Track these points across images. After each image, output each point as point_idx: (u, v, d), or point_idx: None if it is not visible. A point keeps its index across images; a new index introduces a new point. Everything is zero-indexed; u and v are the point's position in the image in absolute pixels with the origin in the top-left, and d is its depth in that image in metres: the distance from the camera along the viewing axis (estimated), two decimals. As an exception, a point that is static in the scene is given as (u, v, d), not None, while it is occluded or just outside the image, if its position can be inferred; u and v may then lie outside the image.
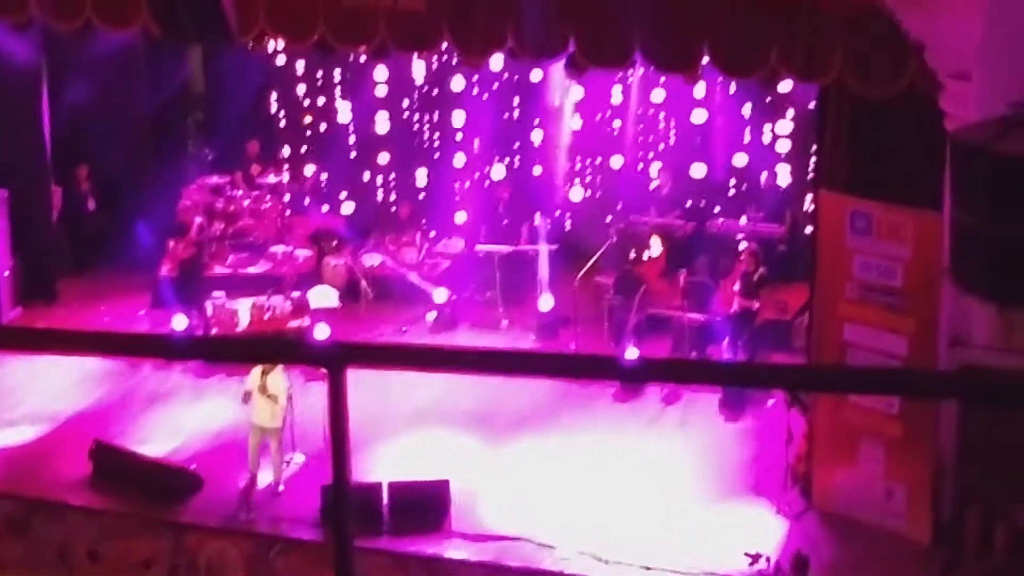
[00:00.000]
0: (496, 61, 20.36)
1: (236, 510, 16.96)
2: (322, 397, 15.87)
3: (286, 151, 24.07)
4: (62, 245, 22.66)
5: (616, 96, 22.80)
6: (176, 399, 19.37)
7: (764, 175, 22.20)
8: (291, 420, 17.69)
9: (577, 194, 23.34)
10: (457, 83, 23.07)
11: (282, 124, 24.32)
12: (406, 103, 23.72)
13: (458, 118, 23.36)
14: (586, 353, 19.14)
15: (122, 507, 17.25)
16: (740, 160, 22.28)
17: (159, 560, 16.90)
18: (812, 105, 19.45)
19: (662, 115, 22.77)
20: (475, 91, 23.19)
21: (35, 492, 17.47)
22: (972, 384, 4.33)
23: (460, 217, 23.14)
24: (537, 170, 23.33)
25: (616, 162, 23.01)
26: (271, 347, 5.57)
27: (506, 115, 23.40)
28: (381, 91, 23.44)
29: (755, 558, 15.51)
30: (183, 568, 16.83)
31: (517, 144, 23.48)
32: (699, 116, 22.26)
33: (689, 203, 22.23)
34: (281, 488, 17.36)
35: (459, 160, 23.45)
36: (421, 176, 23.80)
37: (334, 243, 22.61)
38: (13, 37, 19.90)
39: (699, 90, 21.60)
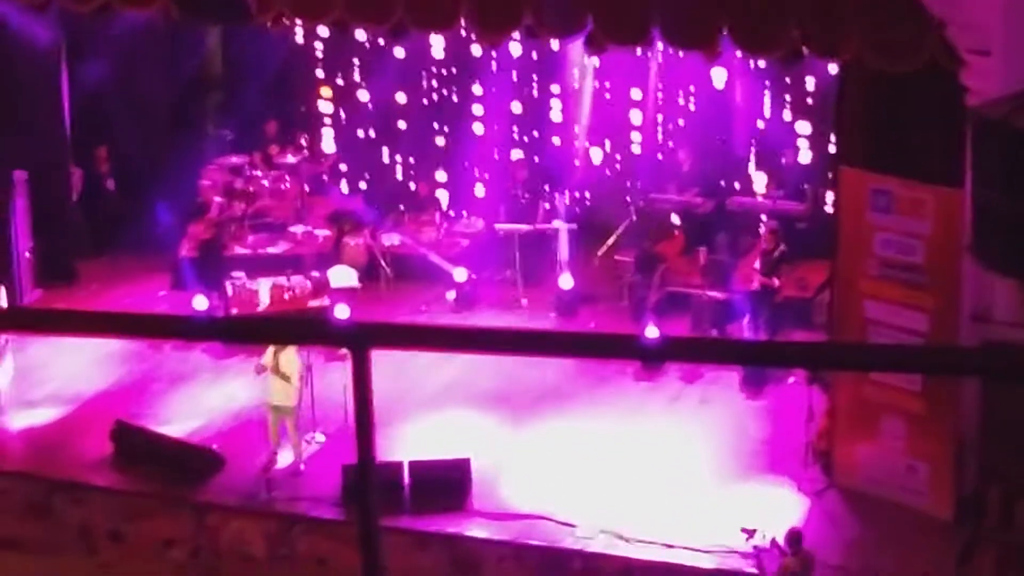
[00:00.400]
0: (515, 46, 20.27)
1: (257, 490, 17.00)
2: (342, 376, 15.85)
3: (304, 131, 24.04)
4: (82, 226, 22.69)
5: (635, 74, 22.69)
6: (197, 379, 19.42)
7: (785, 152, 22.11)
8: (312, 399, 17.73)
9: (596, 172, 23.26)
10: (476, 62, 23.01)
11: (301, 104, 24.30)
12: (424, 82, 23.68)
13: (477, 97, 23.31)
14: (608, 333, 19.16)
15: (144, 487, 17.31)
16: (760, 137, 22.19)
17: (181, 540, 16.95)
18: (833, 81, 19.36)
19: (682, 93, 22.67)
20: (494, 69, 23.12)
21: (57, 473, 17.53)
22: (994, 361, 4.32)
23: (479, 196, 23.11)
24: (556, 147, 23.27)
25: (636, 140, 22.94)
26: (296, 328, 5.55)
27: (525, 93, 23.33)
28: (399, 70, 23.38)
29: (751, 533, 15.51)
30: (205, 548, 16.88)
31: (536, 122, 23.41)
32: (719, 94, 22.14)
33: (709, 181, 22.17)
34: (302, 467, 17.39)
35: (478, 139, 23.40)
36: (440, 155, 23.75)
37: (353, 223, 22.61)
38: (32, 19, 19.91)
39: (719, 67, 21.48)
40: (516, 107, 23.26)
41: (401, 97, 23.56)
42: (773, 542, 15.37)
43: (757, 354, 5.44)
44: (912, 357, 4.56)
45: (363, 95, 23.85)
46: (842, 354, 4.75)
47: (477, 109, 23.37)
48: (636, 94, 22.76)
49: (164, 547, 16.95)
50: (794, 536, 15.35)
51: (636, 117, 22.81)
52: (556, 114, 23.23)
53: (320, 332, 4.82)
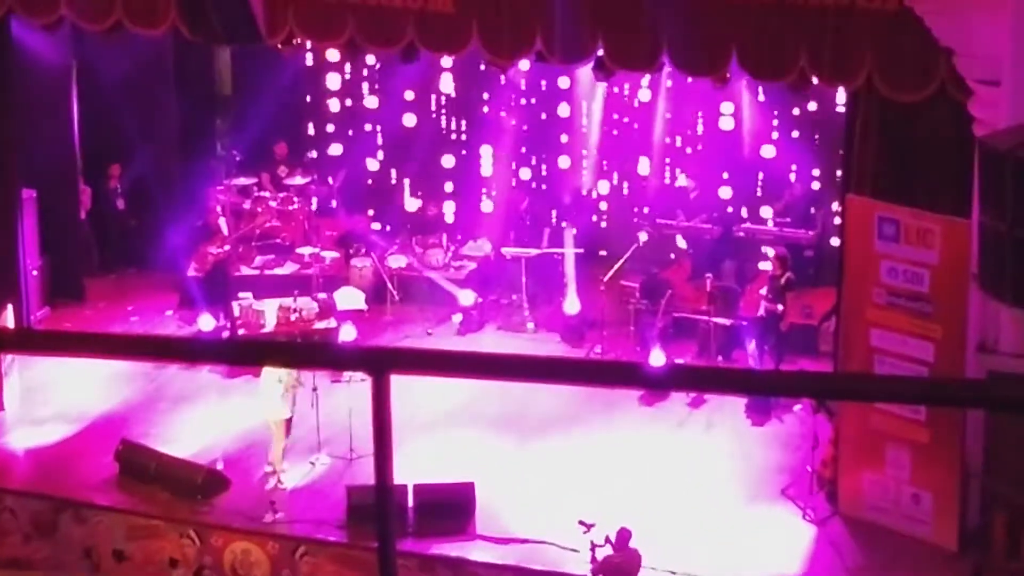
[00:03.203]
0: (524, 69, 20.27)
1: (261, 510, 16.99)
2: (347, 399, 15.78)
3: (313, 153, 24.08)
4: (91, 244, 22.74)
5: (644, 100, 22.71)
6: (203, 399, 19.41)
7: (792, 179, 22.13)
8: (316, 421, 17.74)
9: (604, 198, 23.27)
10: (485, 86, 23.03)
11: (309, 126, 24.33)
12: (433, 105, 23.71)
13: (485, 120, 23.34)
14: (614, 360, 19.20)
15: (148, 507, 17.30)
16: (768, 165, 22.21)
17: (185, 560, 16.94)
18: (841, 109, 19.39)
19: (689, 119, 22.69)
20: (503, 94, 23.16)
21: (62, 492, 17.52)
22: (1000, 392, 4.32)
23: (487, 219, 23.11)
24: (564, 172, 23.27)
25: (643, 166, 22.96)
26: (315, 352, 5.57)
27: (533, 117, 23.35)
28: (409, 94, 23.42)
29: (588, 527, 15.64)
30: (209, 568, 16.87)
31: (544, 147, 23.43)
32: (727, 120, 22.19)
33: (716, 207, 22.18)
34: (282, 482, 17.40)
35: (486, 163, 23.44)
36: (447, 178, 23.77)
37: (361, 245, 22.62)
38: (43, 37, 19.97)
39: (727, 94, 21.51)
40: (524, 131, 23.28)
41: (410, 119, 23.57)
42: (607, 539, 15.62)
43: (763, 384, 5.44)
44: (917, 388, 4.56)
45: (371, 117, 23.88)
46: (847, 385, 4.76)
47: (485, 132, 23.39)
48: (645, 120, 22.78)
49: (168, 567, 16.94)
50: (623, 534, 15.61)
51: (644, 143, 22.83)
52: (564, 139, 23.22)
53: (340, 356, 4.84)
